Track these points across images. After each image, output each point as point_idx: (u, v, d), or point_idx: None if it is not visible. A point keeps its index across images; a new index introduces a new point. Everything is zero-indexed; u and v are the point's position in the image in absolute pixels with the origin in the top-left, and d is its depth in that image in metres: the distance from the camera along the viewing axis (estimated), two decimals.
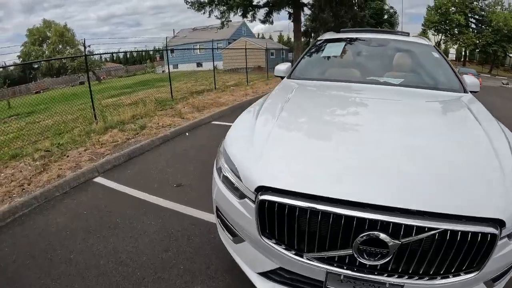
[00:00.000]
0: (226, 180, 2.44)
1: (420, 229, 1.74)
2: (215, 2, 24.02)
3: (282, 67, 4.72)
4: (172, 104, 11.40)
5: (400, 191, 1.88)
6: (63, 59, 50.00)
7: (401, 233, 1.76)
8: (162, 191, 4.92)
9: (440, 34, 53.67)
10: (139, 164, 6.15)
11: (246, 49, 21.62)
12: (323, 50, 4.74)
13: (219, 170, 2.57)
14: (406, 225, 1.75)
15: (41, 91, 37.80)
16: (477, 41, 49.97)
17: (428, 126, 2.71)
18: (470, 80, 4.03)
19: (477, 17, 51.20)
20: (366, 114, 3.02)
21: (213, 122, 9.43)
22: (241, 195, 2.24)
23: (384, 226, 1.78)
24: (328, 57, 4.66)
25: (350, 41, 4.81)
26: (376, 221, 1.78)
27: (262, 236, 2.09)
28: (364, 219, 1.80)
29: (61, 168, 5.67)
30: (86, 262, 3.37)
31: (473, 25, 51.98)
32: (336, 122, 2.90)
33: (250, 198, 2.14)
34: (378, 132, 2.52)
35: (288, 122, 2.83)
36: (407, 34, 5.13)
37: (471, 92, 3.83)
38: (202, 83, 20.53)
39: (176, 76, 24.25)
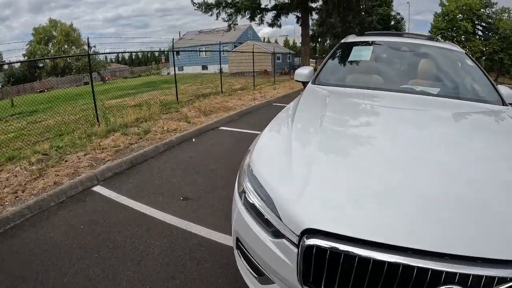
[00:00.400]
0: (252, 209, 2.02)
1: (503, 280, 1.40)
2: (223, 4, 23.77)
3: (304, 71, 4.30)
4: (178, 107, 10.99)
5: (477, 236, 1.51)
6: (67, 59, 49.93)
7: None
8: (167, 205, 4.50)
9: (447, 41, 52.88)
10: (142, 172, 5.72)
11: (253, 52, 21.23)
12: (349, 53, 4.34)
13: (242, 193, 2.16)
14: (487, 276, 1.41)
15: (46, 90, 37.55)
16: (484, 49, 49.43)
17: (483, 150, 2.32)
18: (505, 91, 3.67)
19: (484, 24, 50.71)
20: (414, 133, 2.58)
21: (221, 128, 8.97)
22: (275, 233, 1.81)
23: (462, 279, 1.42)
24: (357, 62, 4.25)
25: (378, 45, 4.39)
26: (453, 273, 1.42)
27: (304, 286, 1.67)
28: (440, 272, 1.42)
29: (58, 175, 5.27)
30: None
31: (479, 33, 51.53)
32: (384, 145, 2.36)
33: (290, 240, 1.71)
34: (432, 157, 2.11)
35: (332, 144, 2.37)
36: (435, 39, 4.71)
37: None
38: (207, 86, 20.15)
39: (181, 78, 23.90)
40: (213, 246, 3.56)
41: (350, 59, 4.30)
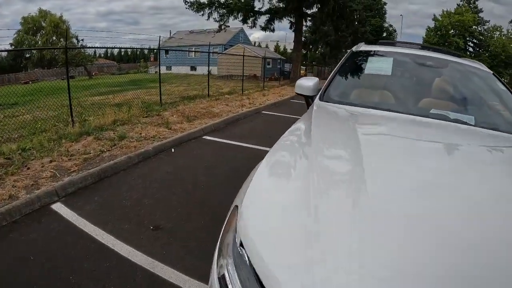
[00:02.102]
0: None
1: None
2: (215, 4, 23.18)
3: (308, 83, 3.46)
4: (160, 110, 10.14)
5: None
6: (55, 51, 48.61)
7: None
8: (134, 236, 3.72)
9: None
10: (110, 189, 4.88)
11: (244, 55, 20.51)
12: (363, 64, 3.61)
13: (223, 280, 1.37)
14: None
15: (30, 82, 36.28)
16: None
17: None
18: None
19: (475, 41, 51.27)
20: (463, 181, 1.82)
21: (204, 137, 8.11)
22: None
23: None
24: (375, 76, 3.47)
25: (397, 56, 3.63)
26: None
27: None
28: None
29: (16, 186, 4.48)
30: None
31: (470, 49, 52.06)
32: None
33: None
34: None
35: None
36: (458, 55, 4.01)
37: None
38: (194, 87, 19.37)
39: (168, 78, 23.17)
40: None
41: (367, 71, 3.57)
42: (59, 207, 4.26)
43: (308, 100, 3.44)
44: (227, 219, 1.70)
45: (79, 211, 4.17)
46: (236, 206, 1.65)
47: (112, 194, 4.69)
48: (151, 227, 3.88)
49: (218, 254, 1.55)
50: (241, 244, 1.38)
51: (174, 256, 3.38)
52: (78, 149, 6.05)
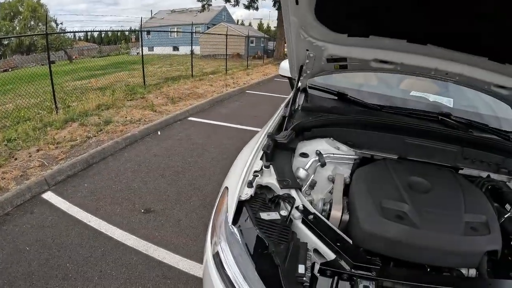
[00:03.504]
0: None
1: None
2: None
3: None
4: (144, 93, 10.01)
5: None
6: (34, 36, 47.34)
7: None
8: (126, 220, 3.76)
9: None
10: (99, 174, 4.87)
11: (227, 35, 20.23)
12: None
13: (217, 257, 1.51)
14: None
15: (10, 70, 35.34)
16: None
17: None
18: None
19: None
20: None
21: (190, 118, 8.05)
22: None
23: None
24: None
25: None
26: None
27: None
28: None
29: (4, 178, 4.45)
30: None
31: None
32: None
33: None
34: None
35: None
36: None
37: None
38: (177, 68, 19.11)
39: (151, 59, 22.67)
40: (180, 279, 2.93)
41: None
42: (50, 196, 4.24)
43: (292, 82, 3.47)
44: (218, 199, 1.83)
45: (70, 198, 4.17)
46: (227, 188, 1.80)
47: (102, 180, 4.68)
48: (142, 210, 3.91)
49: (211, 233, 1.67)
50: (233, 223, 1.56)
51: (166, 237, 3.44)
52: (64, 136, 5.99)
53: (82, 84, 11.62)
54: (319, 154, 2.19)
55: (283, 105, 3.14)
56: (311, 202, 1.95)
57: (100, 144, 5.67)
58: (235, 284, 1.37)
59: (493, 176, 2.58)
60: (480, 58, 2.25)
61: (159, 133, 6.80)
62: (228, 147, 5.79)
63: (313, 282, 1.38)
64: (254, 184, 1.75)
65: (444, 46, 2.30)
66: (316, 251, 1.52)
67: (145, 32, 35.19)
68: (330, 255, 1.46)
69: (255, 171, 1.86)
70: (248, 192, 1.70)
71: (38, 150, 5.37)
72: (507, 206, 2.18)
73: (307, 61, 2.74)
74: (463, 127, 2.75)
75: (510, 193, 2.30)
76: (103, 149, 5.49)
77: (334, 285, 1.36)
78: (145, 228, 3.59)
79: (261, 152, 2.03)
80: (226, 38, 19.89)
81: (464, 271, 1.76)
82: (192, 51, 16.16)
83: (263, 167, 1.91)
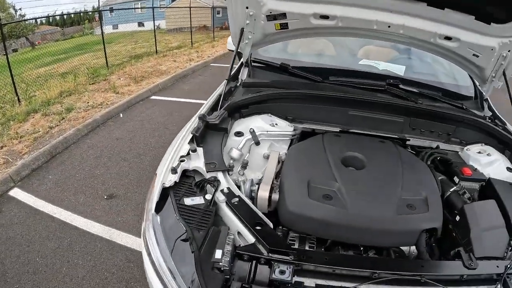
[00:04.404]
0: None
1: None
2: None
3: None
4: (107, 75, 9.72)
5: None
6: None
7: None
8: (89, 208, 3.77)
9: None
10: (62, 165, 4.79)
11: (190, 7, 19.66)
12: None
13: (146, 246, 1.52)
14: None
15: None
16: None
17: None
18: None
19: None
20: None
21: (152, 97, 7.89)
22: None
23: None
24: None
25: None
26: None
27: None
28: None
29: None
30: None
31: None
32: None
33: None
34: None
35: None
36: None
37: None
38: (143, 45, 18.50)
39: (115, 37, 21.93)
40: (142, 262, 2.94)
41: None
42: (16, 193, 4.17)
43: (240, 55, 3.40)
44: (150, 187, 1.81)
45: (36, 192, 4.12)
46: (156, 174, 1.81)
47: (65, 170, 4.62)
48: (105, 197, 3.92)
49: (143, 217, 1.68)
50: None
51: (128, 222, 3.48)
52: (27, 129, 5.82)
53: (46, 71, 11.04)
54: (252, 132, 2.15)
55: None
56: (244, 183, 1.94)
57: (62, 133, 5.54)
58: (160, 271, 1.38)
59: (444, 146, 2.56)
60: (419, 4, 2.19)
61: (121, 115, 6.68)
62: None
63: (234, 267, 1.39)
64: (178, 170, 1.73)
65: None
66: (241, 234, 1.52)
67: (108, 10, 34.00)
68: (251, 239, 1.46)
69: (181, 156, 1.85)
70: (172, 179, 1.69)
71: (1, 147, 5.20)
72: (456, 179, 2.14)
73: (247, 21, 2.60)
74: (412, 96, 2.69)
75: (459, 164, 2.26)
76: (65, 139, 5.38)
77: (252, 270, 1.37)
78: (108, 214, 3.62)
79: (190, 136, 1.99)
80: (190, 11, 19.27)
81: (406, 249, 1.77)
82: (155, 27, 15.68)
83: (190, 152, 1.89)
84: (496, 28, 2.27)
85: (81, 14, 67.52)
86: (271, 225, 1.55)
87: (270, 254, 1.38)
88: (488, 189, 2.11)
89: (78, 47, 20.69)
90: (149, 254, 1.46)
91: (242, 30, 2.65)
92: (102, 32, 12.44)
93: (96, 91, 8.08)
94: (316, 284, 1.37)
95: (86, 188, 4.14)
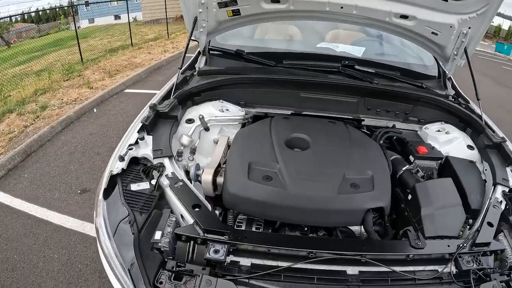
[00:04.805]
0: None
1: None
2: None
3: None
4: (81, 70, 9.58)
5: None
6: None
7: None
8: (64, 203, 3.83)
9: None
10: (37, 163, 4.80)
11: None
12: None
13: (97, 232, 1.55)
14: None
15: None
16: None
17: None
18: None
19: None
20: None
21: (126, 91, 7.86)
22: None
23: None
24: None
25: None
26: None
27: None
28: None
29: None
30: None
31: None
32: None
33: None
34: None
35: None
36: None
37: None
38: (119, 38, 18.17)
39: (91, 31, 21.48)
40: None
41: None
42: None
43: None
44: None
45: (13, 192, 4.14)
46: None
47: (40, 168, 4.64)
48: (79, 191, 3.97)
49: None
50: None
51: None
52: (3, 130, 5.76)
53: (21, 70, 10.86)
54: (201, 118, 2.18)
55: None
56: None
57: (37, 131, 5.52)
58: (107, 255, 1.41)
59: (402, 125, 2.56)
60: None
61: (95, 110, 6.66)
62: None
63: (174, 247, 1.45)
64: (126, 158, 1.78)
65: None
66: (183, 217, 1.56)
67: (84, 5, 33.31)
68: (190, 221, 1.50)
69: (130, 145, 1.89)
70: (119, 166, 1.74)
71: None
72: (411, 158, 2.14)
73: (200, 10, 2.60)
74: (367, 77, 2.68)
75: (415, 143, 2.25)
76: (39, 137, 5.36)
77: (190, 249, 1.42)
78: (81, 208, 3.68)
79: (140, 125, 2.02)
80: (165, 1, 19.08)
81: (357, 230, 1.76)
82: (129, 19, 15.44)
83: (138, 140, 1.93)
84: (454, 4, 2.27)
85: (57, 9, 65.92)
86: (209, 207, 1.59)
87: (205, 235, 1.42)
88: (446, 167, 2.10)
89: (54, 43, 20.24)
90: (99, 240, 1.50)
91: (195, 19, 2.66)
92: (76, 27, 12.26)
93: (70, 87, 7.99)
94: (252, 263, 1.41)
95: (61, 184, 4.18)
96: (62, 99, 7.06)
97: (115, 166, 1.75)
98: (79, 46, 10.86)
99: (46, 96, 7.40)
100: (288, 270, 1.39)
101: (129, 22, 14.79)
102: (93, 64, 10.28)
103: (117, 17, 42.43)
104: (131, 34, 14.23)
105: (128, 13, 15.60)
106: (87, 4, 39.34)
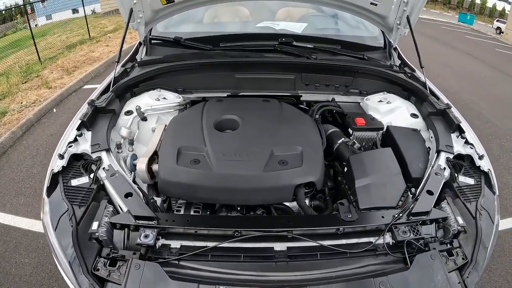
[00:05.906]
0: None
1: None
2: None
3: None
4: (40, 70, 9.23)
5: None
6: None
7: None
8: (30, 207, 3.81)
9: None
10: (1, 170, 4.67)
11: None
12: None
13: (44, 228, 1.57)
14: None
15: None
16: None
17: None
18: None
19: None
20: None
21: (85, 87, 7.66)
22: None
23: None
24: None
25: None
26: None
27: None
28: None
29: None
30: None
31: None
32: None
33: None
34: None
35: None
36: None
37: None
38: (78, 32, 17.50)
39: (49, 29, 20.66)
40: None
41: None
42: None
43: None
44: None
45: None
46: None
47: (4, 175, 4.53)
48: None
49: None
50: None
51: None
52: None
53: None
54: (137, 109, 2.19)
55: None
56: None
57: None
58: (54, 249, 1.43)
59: (344, 98, 2.53)
60: None
61: (54, 110, 6.49)
62: None
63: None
64: (65, 156, 1.79)
65: None
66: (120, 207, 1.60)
67: (39, 1, 31.93)
68: (125, 209, 1.54)
69: (69, 142, 1.89)
70: (59, 164, 1.75)
71: None
72: (350, 130, 2.13)
73: (134, 1, 2.56)
74: (306, 52, 2.66)
75: (354, 115, 2.23)
76: (1, 144, 5.17)
77: (125, 236, 1.47)
78: None
79: (79, 121, 2.01)
80: None
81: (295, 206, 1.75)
82: (85, 12, 14.89)
83: (77, 137, 1.93)
84: None
85: (12, 9, 62.91)
86: (141, 195, 1.63)
87: (136, 221, 1.46)
88: (387, 137, 2.09)
89: (12, 44, 19.34)
90: (47, 236, 1.52)
91: (131, 11, 2.62)
92: (30, 26, 11.77)
93: (29, 89, 7.73)
94: (181, 245, 1.45)
95: (26, 189, 4.13)
96: (22, 103, 6.82)
97: (56, 164, 1.76)
98: (35, 45, 10.44)
99: (5, 101, 7.12)
100: (215, 250, 1.43)
101: (85, 15, 14.32)
102: (51, 63, 9.93)
103: (75, 11, 40.78)
104: (89, 28, 13.77)
105: (83, 6, 15.01)
106: (42, 0, 37.69)
